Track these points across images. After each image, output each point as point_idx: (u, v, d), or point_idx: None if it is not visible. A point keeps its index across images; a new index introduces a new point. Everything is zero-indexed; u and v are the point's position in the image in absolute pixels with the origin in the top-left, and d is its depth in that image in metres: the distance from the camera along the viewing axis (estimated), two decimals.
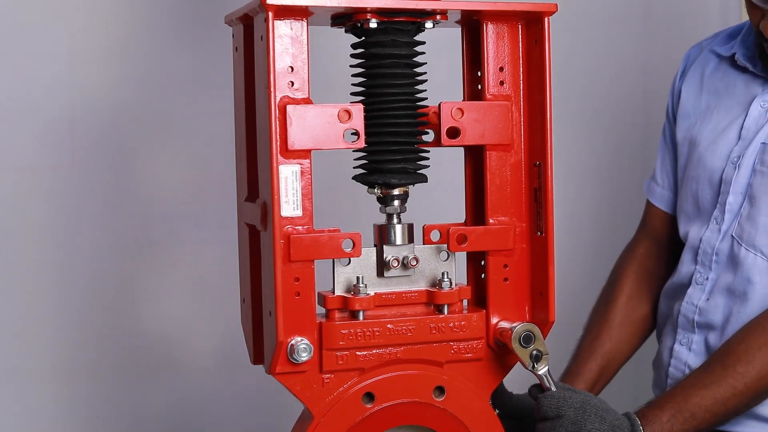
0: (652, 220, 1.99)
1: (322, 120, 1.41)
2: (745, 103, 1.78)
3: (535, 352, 1.47)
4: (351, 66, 1.49)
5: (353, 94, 1.49)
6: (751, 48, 1.81)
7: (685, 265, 1.83)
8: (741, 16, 2.69)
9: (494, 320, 1.51)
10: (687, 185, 1.85)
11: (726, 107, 1.81)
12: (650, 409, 1.59)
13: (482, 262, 1.54)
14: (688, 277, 1.82)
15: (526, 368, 1.48)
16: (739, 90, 1.81)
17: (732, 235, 1.74)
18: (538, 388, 1.54)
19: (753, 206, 1.71)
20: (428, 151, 1.52)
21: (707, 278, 1.78)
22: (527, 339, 1.47)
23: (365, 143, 1.45)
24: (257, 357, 1.54)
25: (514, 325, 1.48)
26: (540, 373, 1.49)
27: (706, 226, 1.79)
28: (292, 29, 1.40)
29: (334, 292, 1.48)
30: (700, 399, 1.58)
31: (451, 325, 1.49)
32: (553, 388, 1.52)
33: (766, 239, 1.70)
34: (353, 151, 1.48)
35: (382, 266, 1.50)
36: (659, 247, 1.95)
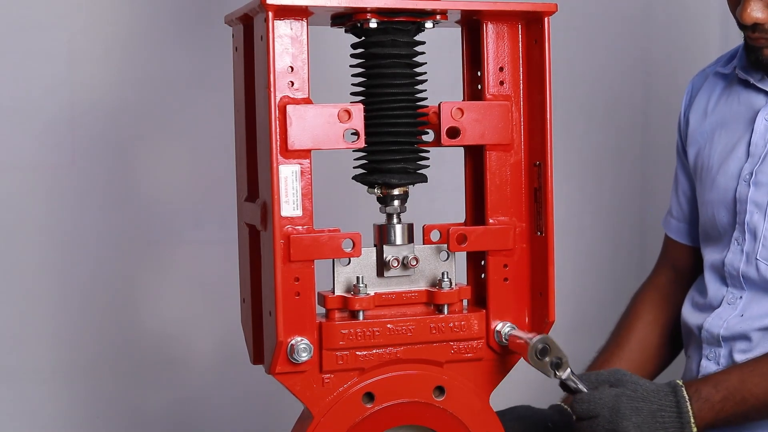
0: (671, 252, 1.99)
1: (322, 120, 1.41)
2: (750, 118, 1.77)
3: (555, 360, 1.45)
4: (351, 66, 1.49)
5: (353, 94, 1.49)
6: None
7: (713, 287, 1.81)
8: None
9: (497, 324, 1.50)
10: (704, 210, 1.84)
11: (732, 126, 1.80)
12: (704, 385, 1.57)
13: (482, 262, 1.54)
14: (718, 300, 1.80)
15: (549, 377, 1.47)
16: (743, 107, 1.80)
17: (758, 258, 1.72)
18: (566, 387, 1.53)
19: None
20: (428, 151, 1.52)
21: (740, 297, 1.76)
22: (543, 352, 1.45)
23: (365, 143, 1.45)
24: (257, 357, 1.54)
25: (529, 337, 1.45)
26: (564, 377, 1.47)
27: (727, 248, 1.77)
28: (292, 29, 1.40)
29: (334, 292, 1.48)
30: (755, 387, 1.57)
31: (451, 325, 1.49)
32: (583, 388, 1.51)
33: None
34: (353, 151, 1.48)
35: (382, 266, 1.50)
36: (680, 277, 1.95)
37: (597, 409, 1.49)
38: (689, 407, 1.52)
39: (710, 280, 1.81)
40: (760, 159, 1.73)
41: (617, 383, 1.54)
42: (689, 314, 1.84)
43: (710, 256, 1.82)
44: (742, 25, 1.71)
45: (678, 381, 1.56)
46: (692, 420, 1.51)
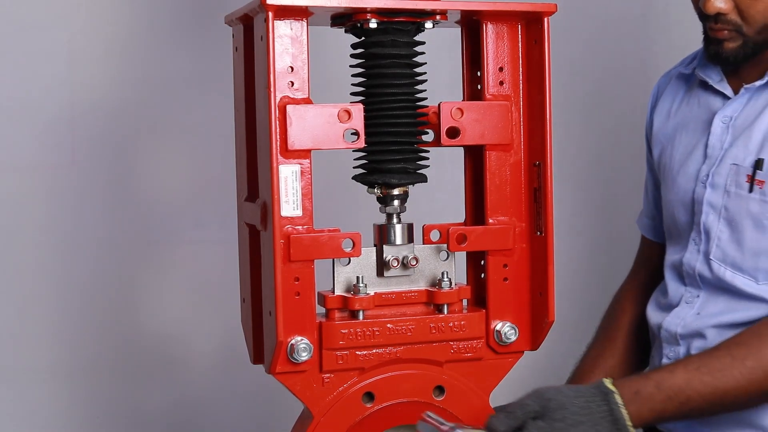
0: (647, 250, 2.00)
1: (322, 120, 1.41)
2: (708, 120, 1.77)
3: None
4: (351, 66, 1.49)
5: (353, 94, 1.49)
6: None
7: (672, 286, 1.81)
8: None
9: (497, 324, 1.50)
10: (666, 210, 1.85)
11: (691, 128, 1.80)
12: (645, 385, 1.51)
13: (482, 262, 1.54)
14: (677, 299, 1.80)
15: None
16: (702, 108, 1.80)
17: (711, 258, 1.72)
18: None
19: (734, 230, 1.69)
20: (428, 151, 1.52)
21: (698, 296, 1.76)
22: None
23: (365, 143, 1.45)
24: (257, 357, 1.54)
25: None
26: None
27: (686, 248, 1.78)
28: (292, 29, 1.40)
29: (334, 292, 1.48)
30: (701, 386, 1.53)
31: (451, 324, 1.49)
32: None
33: (753, 262, 1.67)
34: (353, 151, 1.48)
35: (382, 266, 1.50)
36: (657, 274, 1.93)
37: None
38: (623, 413, 1.45)
39: (670, 279, 1.82)
40: (716, 161, 1.73)
41: (543, 412, 1.42)
42: (652, 314, 1.85)
43: (671, 255, 1.83)
44: (703, 16, 1.70)
45: (609, 386, 1.48)
46: (628, 423, 1.45)
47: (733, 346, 1.58)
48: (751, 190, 1.66)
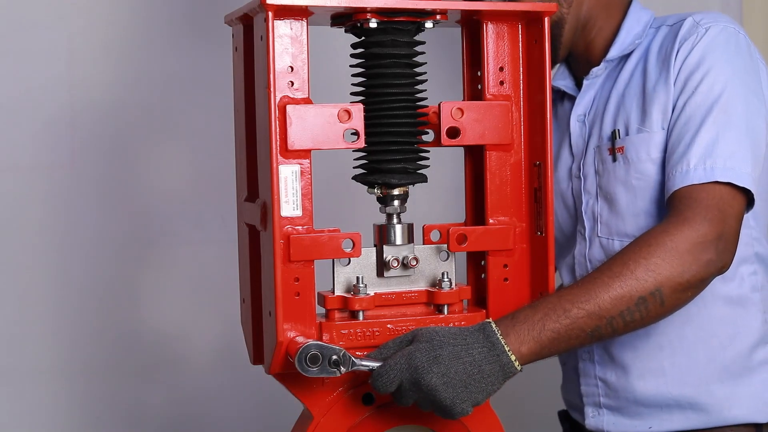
0: None
1: (322, 120, 1.41)
2: (566, 123, 1.81)
3: (333, 360, 1.36)
4: (351, 66, 1.49)
5: (353, 94, 1.49)
6: (562, 70, 1.86)
7: (568, 284, 1.79)
8: (741, 15, 2.69)
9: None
10: (556, 221, 1.84)
11: (557, 135, 1.84)
12: (520, 310, 1.48)
13: (482, 262, 1.54)
14: None
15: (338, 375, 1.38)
16: (561, 114, 1.85)
17: (599, 236, 1.74)
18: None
19: (611, 202, 1.72)
20: (428, 151, 1.52)
21: None
22: (314, 360, 1.36)
23: (365, 143, 1.45)
24: (257, 357, 1.54)
25: (302, 343, 1.37)
26: (352, 369, 1.37)
27: (574, 245, 1.79)
28: (291, 29, 1.40)
29: (334, 292, 1.48)
30: (574, 297, 1.48)
31: (451, 325, 1.49)
32: (374, 365, 1.39)
33: (634, 223, 1.70)
34: (353, 151, 1.48)
35: (382, 266, 1.50)
36: None
37: (394, 378, 1.37)
38: (500, 338, 1.41)
39: (566, 280, 1.84)
40: (582, 154, 1.77)
41: (413, 340, 1.42)
42: None
43: (560, 263, 1.84)
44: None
45: (491, 322, 1.45)
46: (507, 348, 1.41)
47: (602, 266, 1.55)
48: (615, 159, 1.70)
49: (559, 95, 1.86)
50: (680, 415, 1.70)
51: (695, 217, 1.54)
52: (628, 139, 1.68)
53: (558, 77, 1.86)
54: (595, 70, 1.77)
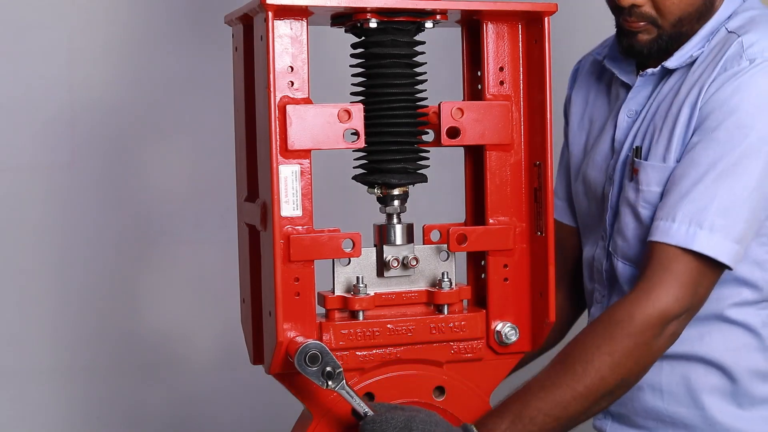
0: (556, 234, 1.92)
1: (322, 120, 1.40)
2: (615, 112, 1.74)
3: (326, 370, 1.35)
4: (351, 66, 1.49)
5: (353, 94, 1.49)
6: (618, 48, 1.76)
7: (587, 284, 1.80)
8: None
9: (497, 324, 1.49)
10: (577, 201, 1.82)
11: (601, 118, 1.77)
12: (490, 418, 1.49)
13: (482, 262, 1.54)
14: (590, 296, 1.79)
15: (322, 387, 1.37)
16: (611, 99, 1.78)
17: (609, 250, 1.71)
18: (356, 414, 1.41)
19: (619, 220, 1.67)
20: (428, 151, 1.52)
21: (604, 296, 1.75)
22: (313, 359, 1.35)
23: (365, 143, 1.45)
24: (257, 357, 1.53)
25: (303, 342, 1.36)
26: (338, 389, 1.37)
27: (597, 243, 1.76)
28: (291, 29, 1.40)
29: (334, 292, 1.48)
30: (540, 402, 1.49)
31: (451, 325, 1.49)
32: (366, 410, 1.39)
33: (638, 250, 1.65)
34: (353, 151, 1.48)
35: (382, 266, 1.50)
36: (565, 260, 1.88)
37: (387, 430, 1.37)
38: None
39: (585, 275, 1.81)
40: (619, 153, 1.71)
41: (411, 409, 1.42)
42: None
43: (585, 250, 1.80)
44: (617, 9, 1.67)
45: (472, 425, 1.46)
46: None
47: (562, 357, 1.54)
48: (631, 179, 1.65)
49: (608, 73, 1.78)
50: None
51: (664, 292, 1.51)
52: (644, 165, 1.61)
53: (613, 53, 1.76)
54: (650, 70, 1.68)
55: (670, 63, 1.65)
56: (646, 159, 1.62)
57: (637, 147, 1.65)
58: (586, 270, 1.80)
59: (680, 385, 1.67)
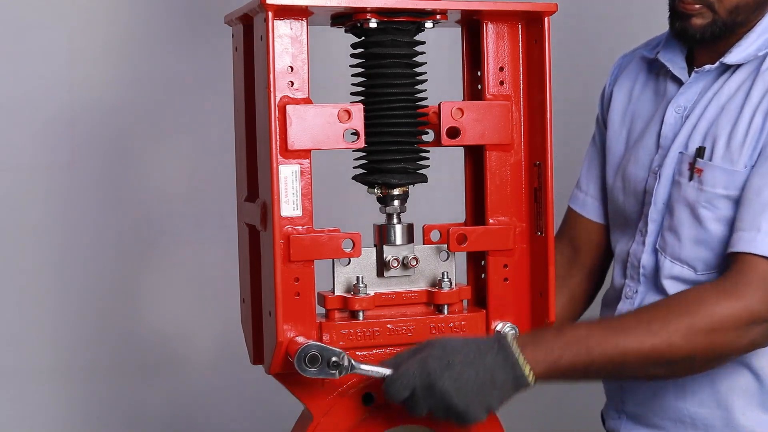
0: (574, 228, 1.90)
1: (322, 120, 1.40)
2: (662, 108, 1.73)
3: (332, 362, 1.35)
4: (351, 66, 1.49)
5: (353, 94, 1.49)
6: (673, 45, 1.74)
7: (617, 279, 1.79)
8: None
9: (497, 324, 1.48)
10: (613, 196, 1.81)
11: (646, 114, 1.76)
12: (546, 331, 1.46)
13: (482, 262, 1.54)
14: (619, 291, 1.78)
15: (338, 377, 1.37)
16: (659, 95, 1.76)
17: (656, 248, 1.70)
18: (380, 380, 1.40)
19: (673, 218, 1.66)
20: (428, 151, 1.52)
21: (636, 292, 1.73)
22: (313, 360, 1.35)
23: (365, 143, 1.45)
24: (257, 357, 1.53)
25: (303, 342, 1.36)
26: (355, 372, 1.37)
27: (633, 239, 1.75)
28: (291, 29, 1.40)
29: (334, 292, 1.48)
30: (603, 339, 1.45)
31: (451, 325, 1.49)
32: (385, 371, 1.38)
33: (692, 251, 1.64)
34: (353, 151, 1.48)
35: (382, 266, 1.50)
36: (576, 253, 1.88)
37: (408, 384, 1.35)
38: (515, 350, 1.38)
39: (615, 269, 1.79)
40: (667, 150, 1.69)
41: (425, 348, 1.40)
42: (603, 306, 1.83)
43: (618, 245, 1.79)
44: None
45: (508, 332, 1.45)
46: (520, 359, 1.37)
47: (642, 311, 1.55)
48: (690, 178, 1.64)
49: (658, 69, 1.76)
50: None
51: (751, 293, 1.49)
52: (710, 166, 1.60)
53: (666, 47, 1.74)
54: (707, 66, 1.66)
55: (730, 59, 1.63)
56: (710, 160, 1.61)
57: (700, 147, 1.63)
58: (618, 265, 1.78)
59: (705, 385, 1.65)
